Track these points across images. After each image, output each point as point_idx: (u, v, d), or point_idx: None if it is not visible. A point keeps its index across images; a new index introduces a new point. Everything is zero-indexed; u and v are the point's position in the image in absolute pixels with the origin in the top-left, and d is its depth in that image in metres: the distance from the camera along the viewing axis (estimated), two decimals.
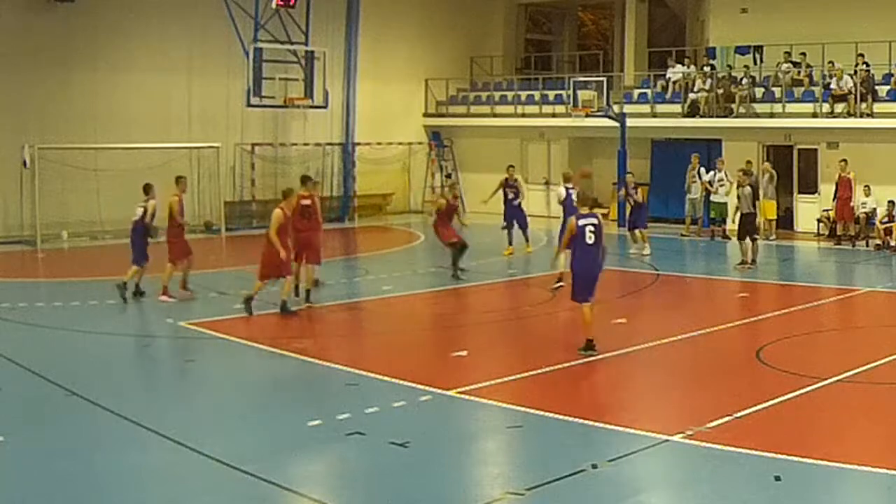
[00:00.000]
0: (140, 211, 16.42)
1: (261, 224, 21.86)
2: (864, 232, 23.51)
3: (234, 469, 8.39)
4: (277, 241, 14.75)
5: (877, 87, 24.17)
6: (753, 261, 19.74)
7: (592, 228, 12.32)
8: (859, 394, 10.79)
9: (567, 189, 17.40)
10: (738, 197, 20.03)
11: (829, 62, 24.77)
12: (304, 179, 16.97)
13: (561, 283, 16.79)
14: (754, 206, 19.88)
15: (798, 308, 16.02)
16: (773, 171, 24.07)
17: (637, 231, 22.03)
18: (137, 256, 16.38)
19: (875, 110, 23.92)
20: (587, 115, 26.98)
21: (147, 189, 16.62)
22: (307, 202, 16.10)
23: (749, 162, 23.08)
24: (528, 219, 22.28)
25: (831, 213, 24.14)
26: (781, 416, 9.87)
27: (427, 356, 13.38)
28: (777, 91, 25.90)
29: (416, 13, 31.86)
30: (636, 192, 22.45)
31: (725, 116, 26.32)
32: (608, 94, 27.13)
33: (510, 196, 21.86)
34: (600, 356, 12.34)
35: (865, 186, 23.53)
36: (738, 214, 19.96)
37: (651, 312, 16.22)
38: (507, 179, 22.00)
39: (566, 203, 16.97)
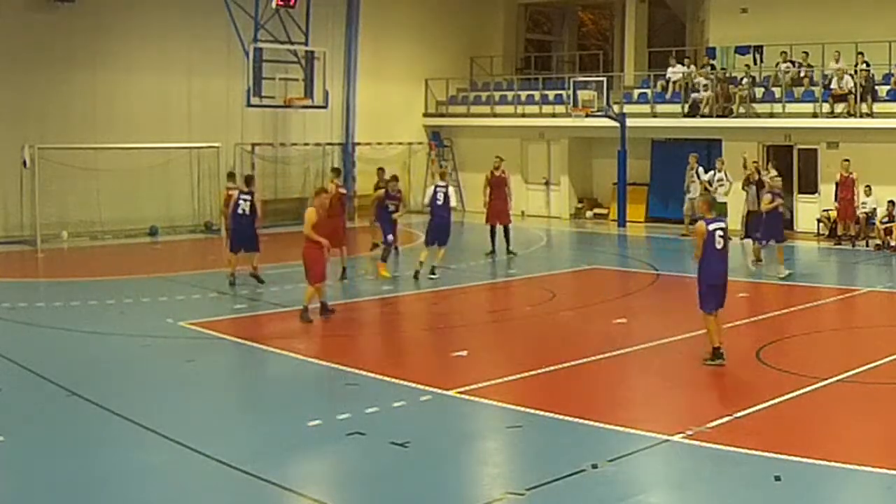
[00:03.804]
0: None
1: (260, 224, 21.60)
2: (864, 232, 23.50)
3: (234, 469, 8.38)
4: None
5: (877, 87, 24.16)
6: (759, 259, 19.72)
7: (721, 233, 11.55)
8: (859, 394, 10.78)
9: (437, 187, 18.52)
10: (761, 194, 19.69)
11: (836, 51, 24.71)
12: (337, 171, 19.26)
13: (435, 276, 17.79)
14: (758, 205, 19.85)
15: (798, 308, 16.03)
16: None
17: (772, 243, 18.96)
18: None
19: (875, 110, 23.91)
20: (587, 115, 26.98)
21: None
22: (343, 190, 18.61)
23: (756, 162, 22.96)
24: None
25: (832, 213, 24.13)
26: (781, 416, 9.87)
27: (427, 356, 13.38)
28: (777, 91, 25.88)
29: (416, 13, 31.85)
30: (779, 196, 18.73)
31: (725, 116, 26.31)
32: (608, 94, 27.13)
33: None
34: (600, 356, 12.35)
35: (866, 186, 23.51)
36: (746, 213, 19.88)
37: (651, 312, 16.18)
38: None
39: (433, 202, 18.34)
